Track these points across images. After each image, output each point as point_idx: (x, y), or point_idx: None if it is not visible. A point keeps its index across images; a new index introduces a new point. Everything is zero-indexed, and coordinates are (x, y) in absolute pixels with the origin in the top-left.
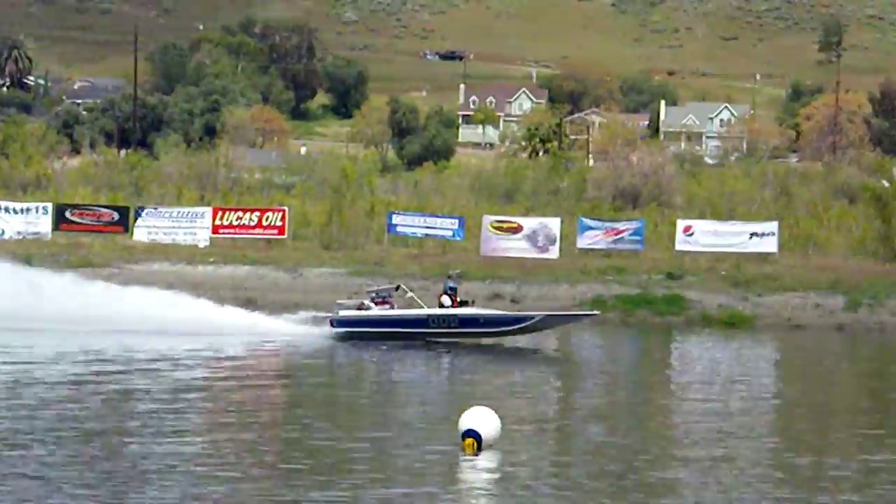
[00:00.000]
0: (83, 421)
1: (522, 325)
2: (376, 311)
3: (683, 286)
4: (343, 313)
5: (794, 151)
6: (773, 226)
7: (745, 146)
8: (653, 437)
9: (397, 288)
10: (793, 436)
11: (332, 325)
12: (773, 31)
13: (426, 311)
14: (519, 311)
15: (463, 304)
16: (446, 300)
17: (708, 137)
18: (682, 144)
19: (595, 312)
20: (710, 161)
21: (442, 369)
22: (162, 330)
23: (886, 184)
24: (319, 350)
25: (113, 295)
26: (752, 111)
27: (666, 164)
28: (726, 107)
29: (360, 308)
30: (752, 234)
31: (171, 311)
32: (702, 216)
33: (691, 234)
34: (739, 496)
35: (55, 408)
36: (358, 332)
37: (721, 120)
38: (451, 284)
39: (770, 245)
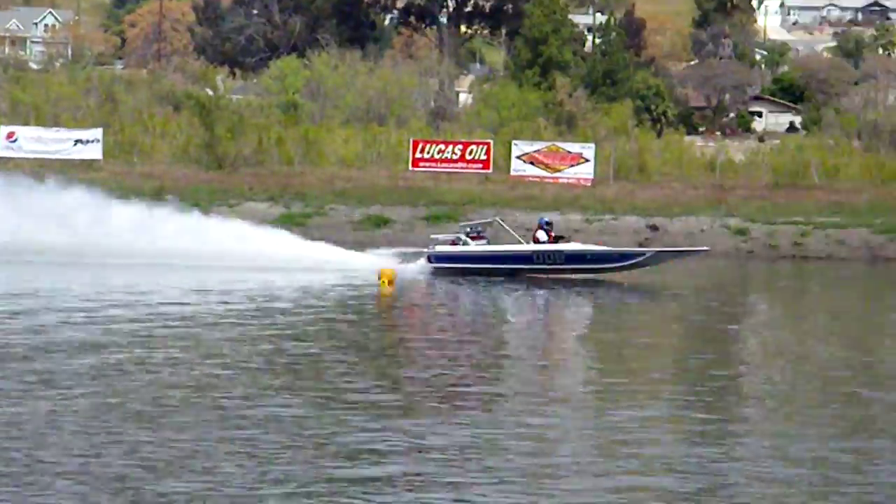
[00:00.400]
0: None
1: (631, 261)
2: (475, 247)
3: None
4: (440, 248)
5: (120, 58)
6: (97, 132)
7: (70, 52)
8: None
9: (492, 222)
10: None
11: (429, 260)
12: None
13: (531, 246)
14: None
15: (559, 238)
16: (542, 235)
17: (32, 42)
18: (6, 49)
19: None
20: (34, 66)
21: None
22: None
23: (210, 92)
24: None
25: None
26: (76, 17)
27: None
28: (51, 12)
29: (454, 243)
30: (77, 141)
31: (271, 247)
32: (26, 122)
33: (15, 141)
34: None
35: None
36: (458, 268)
37: (45, 25)
38: (547, 219)
39: (94, 152)
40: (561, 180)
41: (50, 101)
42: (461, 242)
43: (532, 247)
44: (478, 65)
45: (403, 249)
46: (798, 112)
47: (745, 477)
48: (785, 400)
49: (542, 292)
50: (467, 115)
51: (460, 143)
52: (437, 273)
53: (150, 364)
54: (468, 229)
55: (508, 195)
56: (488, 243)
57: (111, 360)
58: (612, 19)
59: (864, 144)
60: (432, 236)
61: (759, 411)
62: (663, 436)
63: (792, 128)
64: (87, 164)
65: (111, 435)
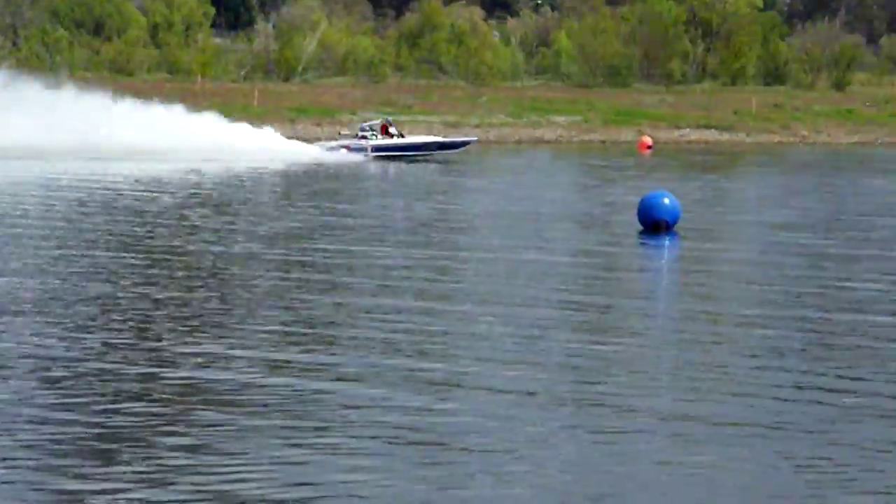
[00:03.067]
0: None
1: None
2: (404, 139)
3: None
4: (374, 143)
5: None
6: None
7: None
8: None
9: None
10: None
11: (371, 150)
12: None
13: (437, 138)
14: None
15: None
16: (393, 130)
17: None
18: None
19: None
20: None
21: None
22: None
23: None
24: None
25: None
26: None
27: None
28: None
29: (363, 138)
30: None
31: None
32: None
33: None
34: None
35: None
36: (389, 155)
37: None
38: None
39: None
40: None
41: None
42: (371, 136)
43: (433, 139)
44: None
45: (340, 142)
46: None
47: None
48: None
49: None
50: None
51: None
52: (375, 159)
53: None
54: (366, 128)
55: None
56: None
57: None
58: None
59: None
60: (341, 133)
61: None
62: None
63: None
64: None
65: None
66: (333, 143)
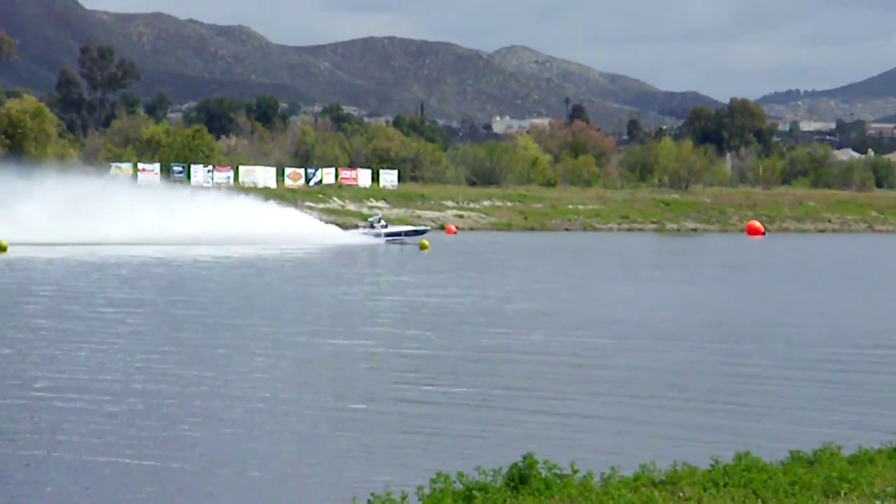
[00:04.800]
0: None
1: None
2: (392, 228)
3: None
4: (386, 230)
5: None
6: None
7: None
8: None
9: (380, 219)
10: None
11: (384, 236)
12: None
13: (414, 227)
14: None
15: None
16: (380, 224)
17: None
18: None
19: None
20: None
21: None
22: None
23: None
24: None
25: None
26: None
27: None
28: None
29: (371, 227)
30: None
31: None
32: None
33: None
34: None
35: None
36: (394, 239)
37: None
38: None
39: None
40: None
41: None
42: (380, 225)
43: (420, 227)
44: None
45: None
46: None
47: None
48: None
49: None
50: None
51: None
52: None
53: None
54: (375, 220)
55: None
56: (385, 227)
57: None
58: None
59: None
60: (360, 224)
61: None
62: None
63: None
64: None
65: None
66: (363, 230)
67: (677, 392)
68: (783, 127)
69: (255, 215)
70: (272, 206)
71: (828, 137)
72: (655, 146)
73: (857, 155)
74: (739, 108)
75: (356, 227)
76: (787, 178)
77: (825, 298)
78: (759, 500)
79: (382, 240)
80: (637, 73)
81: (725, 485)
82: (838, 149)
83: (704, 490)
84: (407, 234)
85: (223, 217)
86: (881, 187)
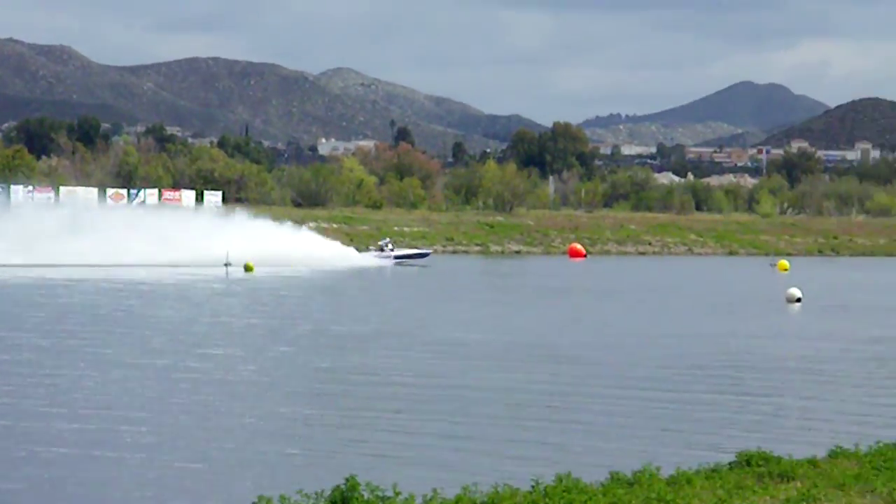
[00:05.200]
0: None
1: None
2: (398, 251)
3: None
4: (394, 253)
5: None
6: None
7: None
8: None
9: (388, 243)
10: None
11: (396, 258)
12: None
13: (415, 251)
14: None
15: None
16: (390, 246)
17: None
18: None
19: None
20: None
21: None
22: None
23: None
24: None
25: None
26: None
27: None
28: None
29: (381, 250)
30: None
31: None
32: None
33: None
34: None
35: None
36: (402, 262)
37: None
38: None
39: None
40: None
41: None
42: (388, 248)
43: (424, 251)
44: None
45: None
46: None
47: None
48: None
49: None
50: None
51: None
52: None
53: None
54: (384, 244)
55: None
56: (393, 250)
57: None
58: None
59: None
60: (372, 247)
61: None
62: None
63: None
64: None
65: None
66: (375, 253)
67: (503, 412)
68: (605, 150)
69: (275, 237)
70: (288, 228)
71: (649, 161)
72: (480, 169)
73: (676, 178)
74: (562, 132)
75: (368, 249)
76: (608, 202)
77: (645, 320)
78: None
79: (392, 262)
80: (462, 96)
81: None
82: (659, 172)
83: None
84: (411, 256)
85: (246, 239)
86: (700, 210)
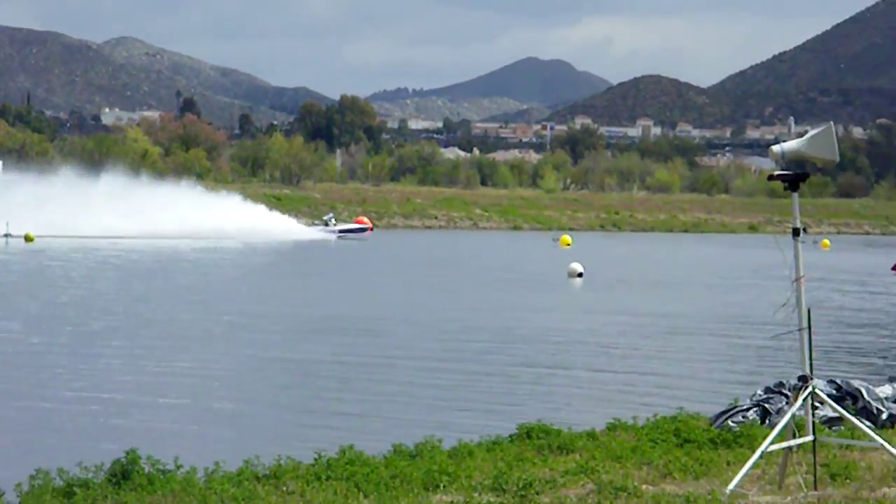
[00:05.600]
0: None
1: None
2: (340, 226)
3: None
4: (338, 228)
5: None
6: None
7: None
8: None
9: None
10: None
11: (339, 233)
12: None
13: (357, 225)
14: None
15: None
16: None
17: None
18: None
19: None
20: None
21: None
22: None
23: None
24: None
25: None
26: None
27: None
28: None
29: (326, 225)
30: None
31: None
32: None
33: None
34: None
35: None
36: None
37: None
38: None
39: None
40: None
41: None
42: (332, 223)
43: (364, 224)
44: None
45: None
46: None
47: None
48: None
49: None
50: None
51: None
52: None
53: None
54: (328, 219)
55: None
56: (336, 225)
57: None
58: None
59: None
60: (323, 219)
61: None
62: None
63: None
64: None
65: None
66: (321, 227)
67: (290, 383)
68: (392, 124)
69: (224, 210)
70: (238, 201)
71: (435, 136)
72: (266, 141)
73: (463, 153)
74: (349, 105)
75: (314, 224)
76: (395, 175)
77: (431, 294)
78: (361, 494)
79: (335, 236)
80: (249, 67)
81: (328, 478)
82: (445, 147)
83: (307, 484)
84: (352, 231)
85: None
86: (486, 185)
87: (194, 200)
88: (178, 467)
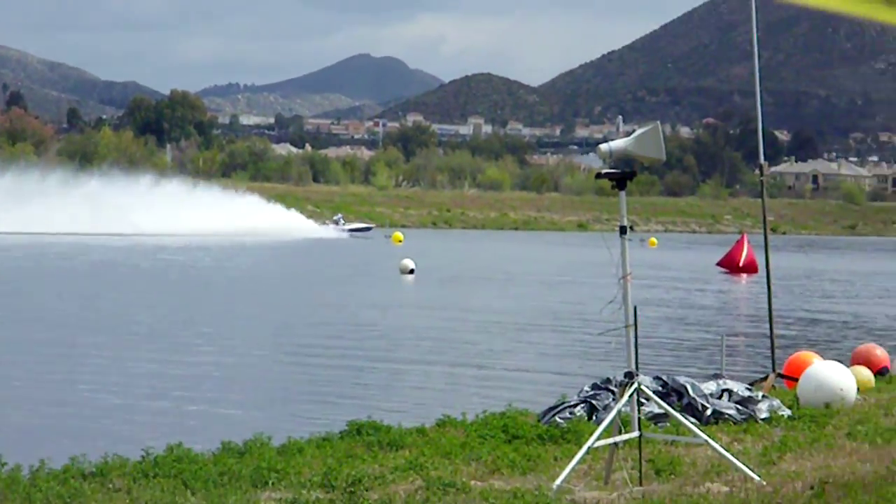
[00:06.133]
0: None
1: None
2: (350, 225)
3: None
4: (348, 227)
5: None
6: None
7: None
8: None
9: (341, 218)
10: None
11: (349, 231)
12: None
13: (368, 224)
14: None
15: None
16: (341, 221)
17: None
18: None
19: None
20: None
21: None
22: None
23: None
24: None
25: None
26: None
27: None
28: None
29: (336, 224)
30: None
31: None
32: None
33: None
34: None
35: None
36: (356, 234)
37: None
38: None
39: None
40: None
41: None
42: (342, 223)
43: (369, 224)
44: None
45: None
46: None
47: None
48: None
49: None
50: None
51: None
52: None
53: None
54: (338, 219)
55: None
56: (345, 224)
57: None
58: None
59: None
60: (333, 219)
61: None
62: None
63: None
64: None
65: None
66: (332, 226)
67: (112, 380)
68: (223, 120)
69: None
70: (252, 200)
71: (267, 132)
72: (95, 136)
73: (295, 150)
74: (180, 100)
75: (325, 224)
76: (226, 171)
77: (263, 293)
78: (189, 491)
79: (347, 234)
80: (77, 61)
81: (156, 475)
82: (277, 143)
83: (134, 481)
84: (360, 230)
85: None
86: (318, 182)
87: (215, 201)
88: (3, 465)
